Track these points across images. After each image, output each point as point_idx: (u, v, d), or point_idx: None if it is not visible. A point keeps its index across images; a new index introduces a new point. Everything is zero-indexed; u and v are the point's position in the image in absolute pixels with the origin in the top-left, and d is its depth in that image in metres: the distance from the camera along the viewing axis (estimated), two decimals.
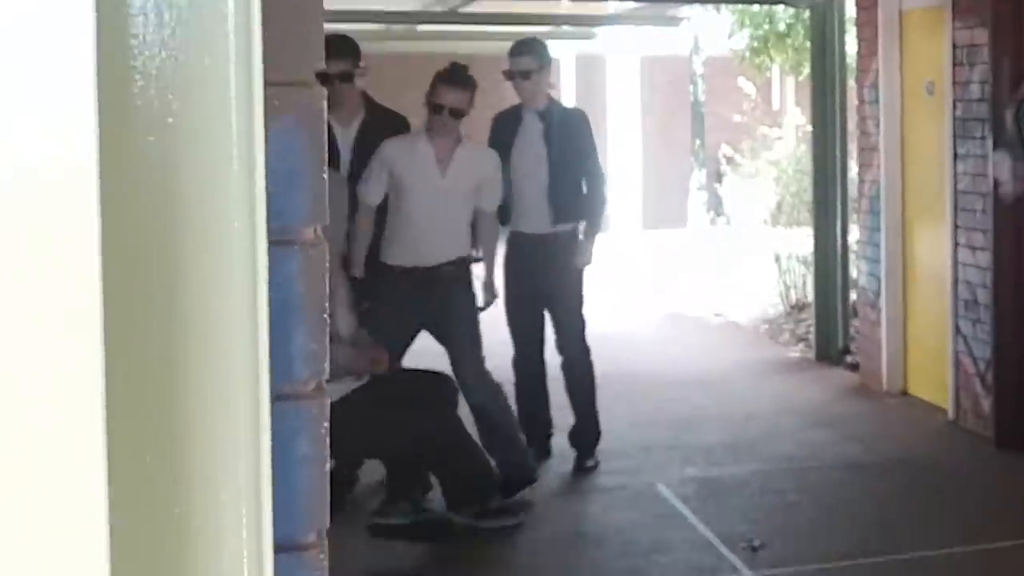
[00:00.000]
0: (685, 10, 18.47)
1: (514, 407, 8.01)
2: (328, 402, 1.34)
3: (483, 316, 7.84)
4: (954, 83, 9.22)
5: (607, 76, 21.05)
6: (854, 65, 11.19)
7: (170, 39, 1.15)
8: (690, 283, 15.95)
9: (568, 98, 18.91)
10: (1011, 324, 8.71)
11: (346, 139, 7.67)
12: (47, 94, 1.00)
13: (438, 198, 7.50)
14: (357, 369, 6.68)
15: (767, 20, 18.28)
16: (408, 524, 6.88)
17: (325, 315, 1.33)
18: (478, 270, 7.92)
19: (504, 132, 8.30)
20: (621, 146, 20.24)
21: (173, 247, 1.15)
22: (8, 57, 1.00)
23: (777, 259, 14.15)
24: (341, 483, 7.34)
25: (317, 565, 1.36)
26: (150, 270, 1.14)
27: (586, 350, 8.45)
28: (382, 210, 7.63)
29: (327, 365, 1.33)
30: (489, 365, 7.71)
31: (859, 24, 10.73)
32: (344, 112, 7.59)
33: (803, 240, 13.57)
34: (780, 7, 16.46)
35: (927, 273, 9.86)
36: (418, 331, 7.69)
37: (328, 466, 1.36)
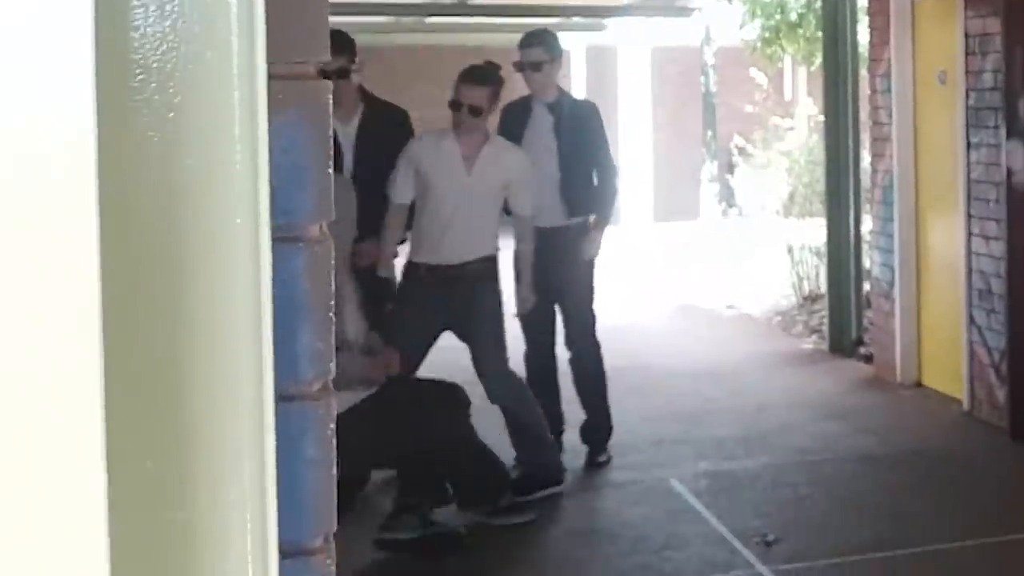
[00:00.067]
0: (696, 0, 18.44)
1: None
2: (334, 402, 1.32)
3: None
4: (967, 72, 9.18)
5: (618, 67, 20.99)
6: (866, 55, 11.15)
7: (171, 32, 1.13)
8: (702, 275, 15.94)
9: (578, 90, 18.89)
10: None
11: (347, 137, 7.64)
12: (44, 89, 0.98)
13: (463, 196, 7.48)
14: (368, 378, 6.62)
15: (779, 10, 18.25)
16: (416, 538, 6.82)
17: (331, 313, 1.30)
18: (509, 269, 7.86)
19: (513, 124, 8.27)
20: (632, 138, 20.18)
21: (175, 245, 1.13)
22: (4, 51, 0.97)
23: (790, 250, 14.12)
24: (351, 482, 7.29)
25: (324, 570, 1.33)
26: (152, 269, 1.12)
27: (596, 344, 8.42)
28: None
29: (333, 365, 1.30)
30: None
31: (871, 13, 10.70)
32: (342, 110, 7.54)
33: (816, 231, 13.54)
34: None
35: (941, 263, 9.83)
36: (441, 331, 7.63)
37: (335, 469, 1.33)
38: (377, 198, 7.82)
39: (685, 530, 7.20)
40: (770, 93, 21.38)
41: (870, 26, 10.69)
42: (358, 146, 7.66)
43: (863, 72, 11.81)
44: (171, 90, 1.13)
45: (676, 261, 17.21)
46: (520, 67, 8.26)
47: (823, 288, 12.50)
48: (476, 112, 7.48)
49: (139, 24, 1.11)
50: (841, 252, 11.55)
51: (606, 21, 19.32)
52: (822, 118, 12.58)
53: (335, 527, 1.33)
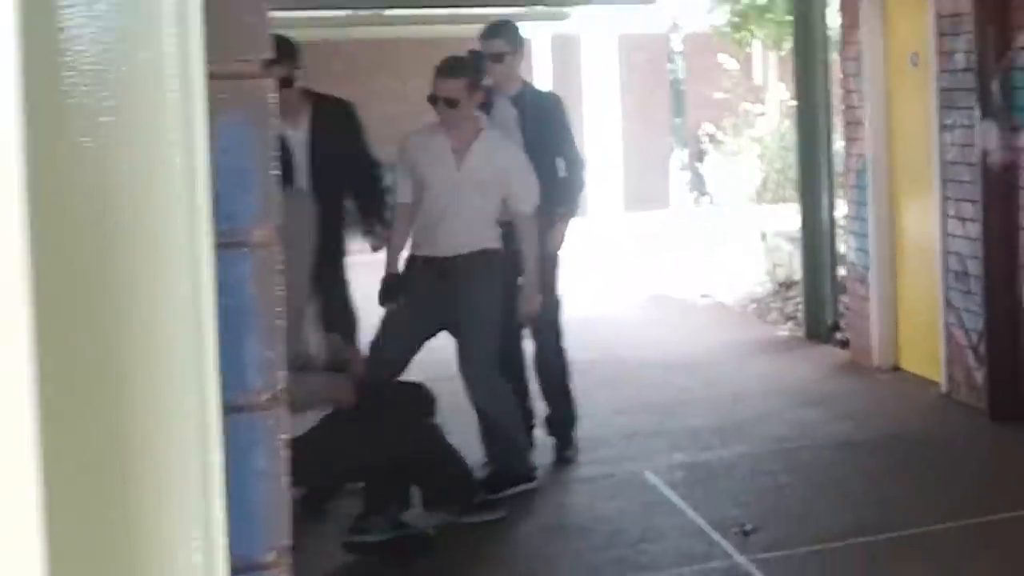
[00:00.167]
0: None
1: None
2: (285, 413, 1.27)
3: None
4: (939, 53, 9.17)
5: (582, 56, 20.90)
6: (837, 38, 11.13)
7: (103, 32, 1.08)
8: (674, 264, 15.89)
9: (543, 80, 18.79)
10: (1002, 294, 8.68)
11: (298, 142, 7.55)
12: None
13: (454, 190, 7.44)
14: (336, 399, 6.45)
15: None
16: (384, 540, 6.73)
17: (280, 320, 1.26)
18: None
19: None
20: (599, 127, 20.10)
21: (112, 253, 1.08)
22: None
23: (763, 237, 14.10)
24: (321, 493, 7.22)
25: None
26: (88, 278, 1.08)
27: (559, 334, 8.33)
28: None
29: (283, 374, 1.26)
30: None
31: None
32: (290, 116, 7.46)
33: (789, 217, 13.52)
34: None
35: (916, 246, 9.82)
36: (436, 331, 7.56)
37: (287, 480, 1.28)
38: (342, 192, 7.79)
39: (661, 522, 7.16)
40: (740, 79, 21.37)
41: (840, 9, 10.69)
42: (313, 147, 7.60)
43: (834, 56, 11.79)
44: (104, 93, 1.08)
45: (647, 251, 17.14)
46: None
47: (798, 275, 12.47)
48: (452, 104, 7.39)
49: (67, 24, 1.06)
50: (815, 238, 11.53)
51: (569, 10, 19.21)
52: (794, 103, 12.56)
53: (289, 541, 1.29)
